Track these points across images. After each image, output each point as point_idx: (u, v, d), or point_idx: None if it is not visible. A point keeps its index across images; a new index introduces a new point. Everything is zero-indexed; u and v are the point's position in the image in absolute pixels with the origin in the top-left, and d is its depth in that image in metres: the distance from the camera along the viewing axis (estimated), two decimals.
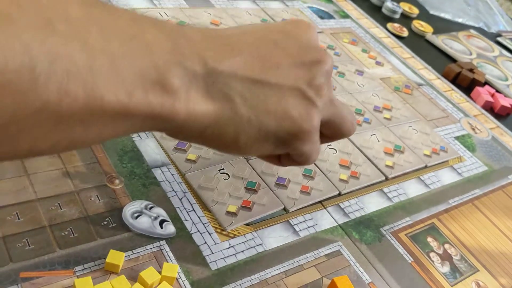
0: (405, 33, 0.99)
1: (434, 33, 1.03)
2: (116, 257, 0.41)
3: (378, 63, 0.85)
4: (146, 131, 0.32)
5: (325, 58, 0.38)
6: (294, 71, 0.36)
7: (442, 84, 0.87)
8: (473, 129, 0.78)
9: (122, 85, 0.28)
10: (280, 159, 0.43)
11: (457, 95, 0.86)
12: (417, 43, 0.98)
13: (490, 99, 0.86)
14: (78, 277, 0.40)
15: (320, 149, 0.41)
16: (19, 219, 0.43)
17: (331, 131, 0.42)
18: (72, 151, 0.50)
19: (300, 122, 0.36)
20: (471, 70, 0.91)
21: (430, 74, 0.89)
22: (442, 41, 1.01)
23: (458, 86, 0.89)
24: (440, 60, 0.95)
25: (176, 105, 0.31)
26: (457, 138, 0.74)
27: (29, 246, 0.41)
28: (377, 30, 0.96)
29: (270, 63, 0.36)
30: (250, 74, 0.34)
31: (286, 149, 0.38)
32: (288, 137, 0.37)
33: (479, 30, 1.15)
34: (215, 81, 0.33)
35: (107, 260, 0.41)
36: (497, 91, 0.91)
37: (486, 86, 0.89)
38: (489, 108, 0.86)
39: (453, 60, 0.97)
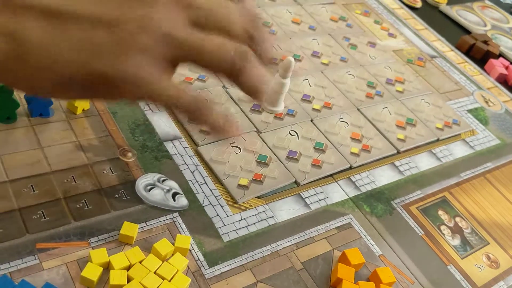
0: (418, 3, 0.97)
1: (448, 3, 1.01)
2: (130, 229, 0.42)
3: (390, 35, 0.84)
4: None
5: None
6: None
7: (456, 56, 0.86)
8: (486, 102, 0.77)
9: None
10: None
11: (470, 67, 0.85)
12: (431, 14, 0.96)
13: (505, 71, 0.85)
14: (93, 248, 0.41)
15: (183, 92, 0.32)
16: (34, 191, 0.43)
17: (199, 62, 0.33)
18: (85, 125, 0.50)
19: (90, 62, 0.29)
20: (485, 42, 0.90)
21: (443, 46, 0.87)
22: (456, 12, 1.00)
23: (472, 58, 0.87)
24: (454, 31, 0.94)
25: None
26: (469, 111, 0.73)
27: (45, 218, 0.42)
28: (390, 1, 0.94)
29: None
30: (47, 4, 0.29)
31: (99, 96, 0.32)
32: (92, 83, 0.30)
33: (494, 0, 1.12)
34: None
35: (121, 231, 0.42)
36: None
37: (501, 59, 0.88)
38: (503, 80, 0.85)
39: (467, 31, 0.95)
